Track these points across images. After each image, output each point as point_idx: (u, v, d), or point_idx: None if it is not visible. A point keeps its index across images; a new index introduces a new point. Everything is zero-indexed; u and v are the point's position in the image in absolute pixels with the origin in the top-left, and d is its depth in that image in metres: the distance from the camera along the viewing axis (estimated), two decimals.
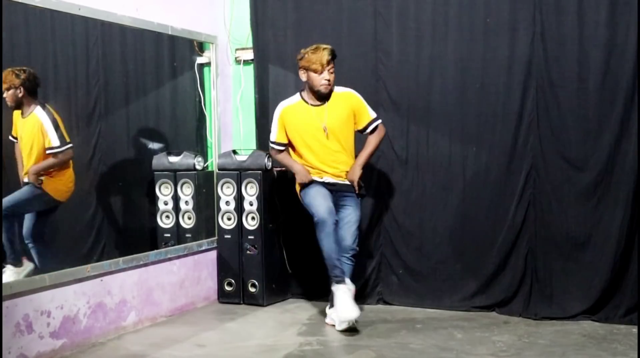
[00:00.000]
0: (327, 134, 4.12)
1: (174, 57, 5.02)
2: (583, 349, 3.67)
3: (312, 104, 4.16)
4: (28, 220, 3.97)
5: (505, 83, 4.36)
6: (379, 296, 4.75)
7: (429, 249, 4.61)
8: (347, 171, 4.18)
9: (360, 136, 4.32)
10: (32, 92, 3.90)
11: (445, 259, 4.57)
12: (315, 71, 4.05)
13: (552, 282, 4.29)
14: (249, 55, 5.12)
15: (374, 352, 3.68)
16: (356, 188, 4.16)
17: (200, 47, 5.07)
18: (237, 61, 5.19)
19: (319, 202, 4.07)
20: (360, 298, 4.74)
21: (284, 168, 4.60)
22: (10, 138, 3.89)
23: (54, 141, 3.94)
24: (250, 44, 5.11)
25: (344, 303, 3.98)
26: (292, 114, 4.21)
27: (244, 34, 5.16)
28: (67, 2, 3.83)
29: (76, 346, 3.84)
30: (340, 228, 4.11)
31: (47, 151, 3.94)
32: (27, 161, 3.94)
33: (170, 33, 4.62)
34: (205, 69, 5.11)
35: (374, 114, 4.23)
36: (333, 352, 3.76)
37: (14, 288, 3.47)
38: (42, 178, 3.95)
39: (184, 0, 4.82)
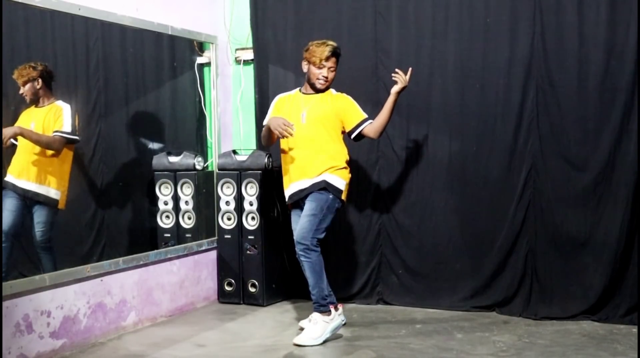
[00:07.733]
0: (305, 119, 4.00)
1: (174, 57, 5.02)
2: (583, 349, 3.67)
3: (304, 93, 4.12)
4: (39, 227, 3.97)
5: (505, 83, 4.36)
6: (379, 296, 4.75)
7: (429, 249, 4.61)
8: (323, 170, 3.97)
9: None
10: (49, 85, 3.92)
11: (445, 259, 4.57)
12: (313, 64, 4.00)
13: (552, 282, 4.29)
14: (249, 55, 5.12)
15: (373, 352, 3.68)
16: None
17: (200, 47, 5.07)
18: (237, 61, 5.19)
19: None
20: (360, 298, 4.77)
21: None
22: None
23: (66, 126, 3.95)
24: (250, 44, 5.11)
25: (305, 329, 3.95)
26: (286, 102, 4.15)
27: (244, 34, 5.16)
28: (67, 2, 3.83)
29: (76, 346, 3.84)
30: None
31: (54, 132, 3.92)
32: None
33: (170, 33, 4.62)
34: (205, 69, 5.11)
35: (366, 115, 4.07)
36: (333, 352, 3.76)
37: (14, 288, 3.47)
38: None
39: (184, 0, 4.82)
